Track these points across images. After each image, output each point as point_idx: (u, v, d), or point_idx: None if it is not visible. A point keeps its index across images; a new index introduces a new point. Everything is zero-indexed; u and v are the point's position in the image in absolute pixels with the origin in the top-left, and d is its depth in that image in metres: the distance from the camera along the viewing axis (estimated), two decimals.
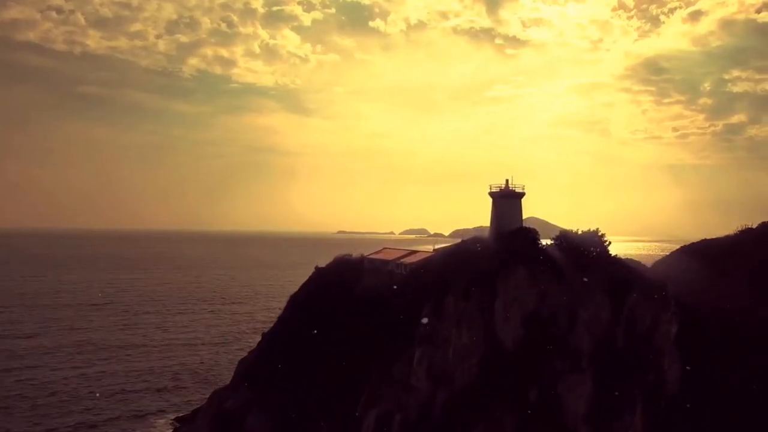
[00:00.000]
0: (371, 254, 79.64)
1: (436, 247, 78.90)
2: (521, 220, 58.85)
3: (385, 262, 72.53)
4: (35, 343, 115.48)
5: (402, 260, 69.41)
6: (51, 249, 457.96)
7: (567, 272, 53.77)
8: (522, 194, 60.00)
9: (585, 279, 53.55)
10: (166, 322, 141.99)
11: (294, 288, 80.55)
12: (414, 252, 72.79)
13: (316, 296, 73.37)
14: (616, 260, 64.66)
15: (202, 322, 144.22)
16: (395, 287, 64.24)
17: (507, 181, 60.49)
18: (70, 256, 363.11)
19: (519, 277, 51.78)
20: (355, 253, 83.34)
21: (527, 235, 56.51)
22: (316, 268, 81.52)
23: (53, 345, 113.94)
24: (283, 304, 78.54)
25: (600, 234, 72.08)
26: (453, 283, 55.21)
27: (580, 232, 73.63)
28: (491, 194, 60.11)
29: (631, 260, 69.36)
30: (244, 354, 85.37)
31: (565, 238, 69.83)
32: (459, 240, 75.81)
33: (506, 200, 59.17)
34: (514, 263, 52.41)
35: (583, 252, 65.57)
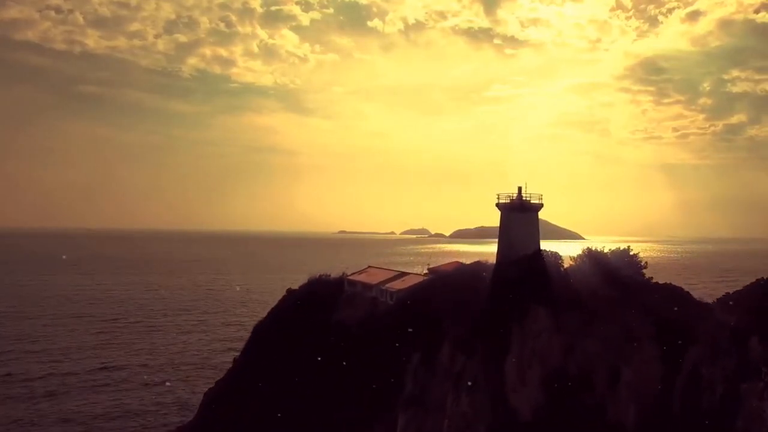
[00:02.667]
0: (353, 274, 66.15)
1: (430, 266, 65.31)
2: (538, 240, 45.24)
3: (368, 287, 59.06)
4: None
5: (387, 286, 55.87)
6: (45, 249, 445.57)
7: (601, 312, 40.19)
8: (539, 206, 46.33)
9: (627, 321, 39.91)
10: (144, 338, 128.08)
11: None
12: (402, 275, 59.24)
13: (284, 327, 59.90)
14: (662, 289, 51.22)
15: (186, 336, 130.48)
16: (378, 320, 50.90)
17: (520, 189, 46.76)
18: (65, 256, 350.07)
19: (539, 323, 38.23)
20: (335, 271, 70.19)
21: (548, 262, 42.87)
22: (288, 291, 68.13)
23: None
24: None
25: (633, 253, 58.72)
26: (450, 326, 41.68)
27: (607, 250, 60.43)
28: (500, 206, 46.50)
29: (679, 289, 55.90)
30: (214, 382, 72.91)
31: (593, 260, 56.30)
32: (456, 262, 62.29)
33: (519, 215, 45.47)
34: (533, 303, 38.81)
35: (619, 280, 52.22)
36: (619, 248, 59.75)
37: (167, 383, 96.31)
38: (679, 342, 38.27)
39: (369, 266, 69.12)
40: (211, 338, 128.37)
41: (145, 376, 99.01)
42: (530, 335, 37.94)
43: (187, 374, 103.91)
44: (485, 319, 39.70)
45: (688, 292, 55.95)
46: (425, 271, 67.09)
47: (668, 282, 60.74)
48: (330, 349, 50.74)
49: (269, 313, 65.61)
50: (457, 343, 39.29)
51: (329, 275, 69.27)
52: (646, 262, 58.86)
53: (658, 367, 37.72)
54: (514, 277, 41.36)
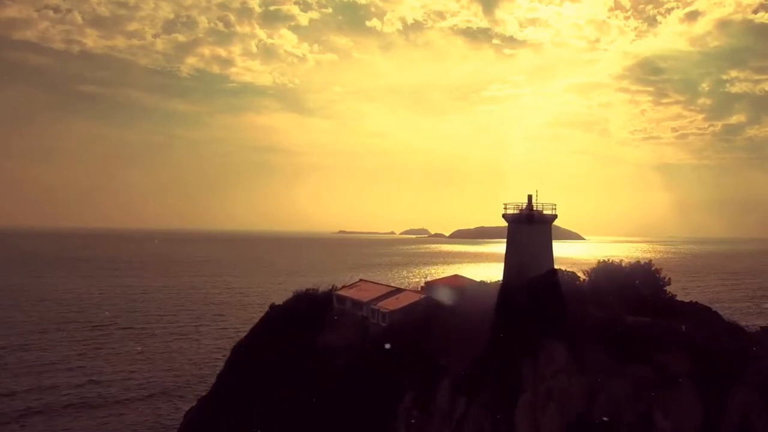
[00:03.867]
0: (343, 289, 59.94)
1: (427, 281, 58.97)
2: (552, 257, 39.02)
3: (359, 305, 52.84)
4: None
5: (379, 305, 49.61)
6: (40, 248, 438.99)
7: (629, 345, 33.91)
8: (553, 218, 40.09)
9: (660, 356, 33.63)
10: (132, 346, 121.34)
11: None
12: (396, 291, 52.99)
13: (264, 351, 53.62)
14: (692, 312, 45.11)
15: (177, 344, 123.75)
16: (367, 349, 44.66)
17: (530, 197, 40.50)
18: (60, 257, 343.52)
19: (556, 360, 31.96)
20: (324, 285, 64.02)
21: (564, 283, 36.58)
22: (271, 307, 61.86)
23: None
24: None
25: (655, 268, 52.42)
26: (450, 360, 35.47)
27: (625, 264, 54.11)
28: (507, 218, 40.23)
29: (707, 309, 49.62)
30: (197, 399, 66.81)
31: (610, 276, 50.06)
32: (456, 277, 56.00)
33: (529, 228, 39.24)
34: (548, 335, 32.53)
35: (644, 302, 45.99)
36: (639, 261, 53.57)
37: (149, 399, 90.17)
38: (723, 382, 31.98)
39: (361, 279, 62.81)
40: (203, 346, 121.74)
41: (127, 391, 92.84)
42: (545, 375, 31.66)
43: (173, 388, 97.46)
44: (491, 353, 33.41)
45: (717, 314, 49.93)
46: (422, 285, 61.04)
47: (693, 300, 54.58)
48: (312, 383, 44.52)
49: (250, 333, 59.43)
50: (458, 382, 33.02)
51: (317, 289, 63.06)
52: (669, 278, 52.75)
53: (698, 414, 31.44)
54: (525, 303, 35.05)
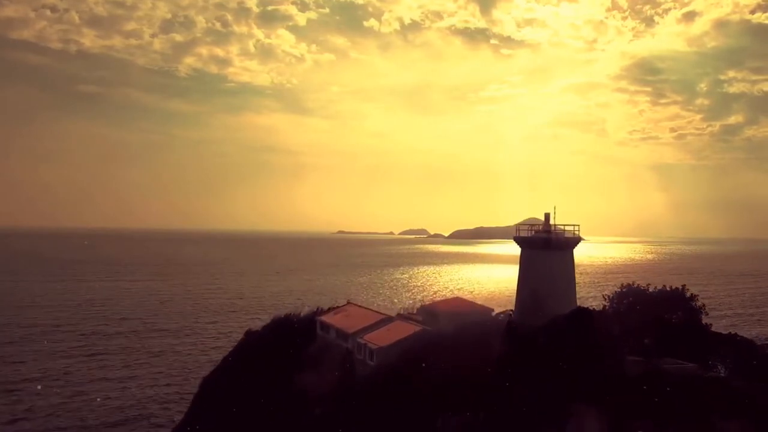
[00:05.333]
0: (329, 314, 52.80)
1: (423, 304, 51.72)
2: (574, 289, 31.82)
3: (344, 335, 45.64)
4: None
5: (367, 338, 42.38)
6: (36, 249, 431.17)
7: (678, 405, 26.67)
8: (576, 241, 32.84)
9: (712, 419, 26.39)
10: (120, 357, 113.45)
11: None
12: (387, 321, 45.66)
13: (236, 387, 46.42)
14: (736, 348, 38.22)
15: (164, 356, 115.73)
16: (350, 397, 37.39)
17: (547, 216, 33.22)
18: (54, 258, 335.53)
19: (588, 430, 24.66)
20: (310, 305, 57.03)
21: (596, 330, 29.26)
22: (247, 333, 54.73)
23: None
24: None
25: (690, 294, 45.27)
26: (448, 419, 28.24)
27: (653, 290, 46.87)
28: (519, 241, 33.02)
29: (747, 342, 42.52)
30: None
31: (636, 302, 43.04)
32: (457, 299, 48.86)
33: (547, 254, 32.02)
34: (578, 398, 25.30)
35: (677, 334, 39.07)
36: (669, 287, 46.37)
37: (118, 427, 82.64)
38: None
39: (348, 302, 55.55)
40: (191, 358, 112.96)
41: (100, 417, 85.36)
42: None
43: (155, 406, 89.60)
44: (502, 418, 26.18)
45: (755, 345, 43.04)
46: (418, 307, 53.86)
47: (732, 332, 47.35)
48: (291, 423, 37.34)
49: (222, 363, 52.20)
50: None
51: (299, 314, 55.94)
52: (703, 305, 45.63)
53: None
54: (544, 350, 27.82)
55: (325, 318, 50.96)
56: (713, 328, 45.32)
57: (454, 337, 37.36)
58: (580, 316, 29.14)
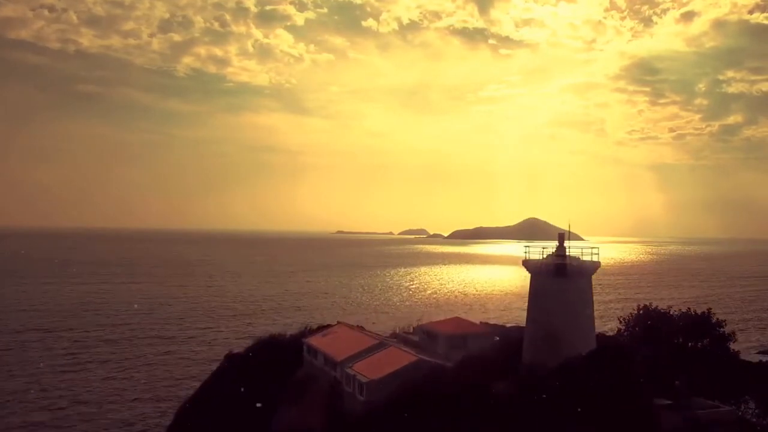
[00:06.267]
0: (316, 336, 48.41)
1: (420, 324, 47.16)
2: (593, 322, 27.45)
3: (332, 363, 41.23)
4: None
5: (356, 368, 37.98)
6: (33, 249, 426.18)
7: None
8: (594, 267, 28.41)
9: None
10: (104, 367, 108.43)
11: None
12: (379, 347, 41.20)
13: (212, 422, 41.99)
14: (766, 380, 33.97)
15: (154, 366, 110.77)
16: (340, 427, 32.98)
17: (561, 237, 28.81)
18: (50, 258, 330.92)
19: None
20: (299, 322, 52.60)
21: (620, 367, 24.81)
22: (227, 357, 50.22)
23: None
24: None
25: (716, 320, 40.87)
26: None
27: (674, 312, 42.49)
28: (529, 266, 28.64)
29: None
30: None
31: (656, 322, 38.87)
32: (456, 319, 44.50)
33: (561, 282, 27.63)
34: None
35: (702, 364, 34.84)
36: (692, 311, 41.98)
37: None
38: None
39: (339, 322, 51.20)
40: (180, 369, 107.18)
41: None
42: None
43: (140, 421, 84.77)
44: None
45: None
46: (414, 326, 49.46)
47: (761, 361, 43.09)
48: None
49: (199, 391, 47.66)
50: None
51: (284, 335, 51.50)
52: (734, 332, 41.25)
53: None
54: (558, 397, 23.39)
55: (312, 341, 46.52)
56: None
57: (455, 363, 33.13)
58: (601, 357, 24.70)
